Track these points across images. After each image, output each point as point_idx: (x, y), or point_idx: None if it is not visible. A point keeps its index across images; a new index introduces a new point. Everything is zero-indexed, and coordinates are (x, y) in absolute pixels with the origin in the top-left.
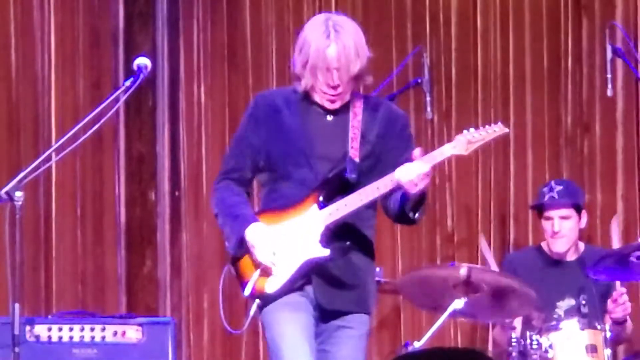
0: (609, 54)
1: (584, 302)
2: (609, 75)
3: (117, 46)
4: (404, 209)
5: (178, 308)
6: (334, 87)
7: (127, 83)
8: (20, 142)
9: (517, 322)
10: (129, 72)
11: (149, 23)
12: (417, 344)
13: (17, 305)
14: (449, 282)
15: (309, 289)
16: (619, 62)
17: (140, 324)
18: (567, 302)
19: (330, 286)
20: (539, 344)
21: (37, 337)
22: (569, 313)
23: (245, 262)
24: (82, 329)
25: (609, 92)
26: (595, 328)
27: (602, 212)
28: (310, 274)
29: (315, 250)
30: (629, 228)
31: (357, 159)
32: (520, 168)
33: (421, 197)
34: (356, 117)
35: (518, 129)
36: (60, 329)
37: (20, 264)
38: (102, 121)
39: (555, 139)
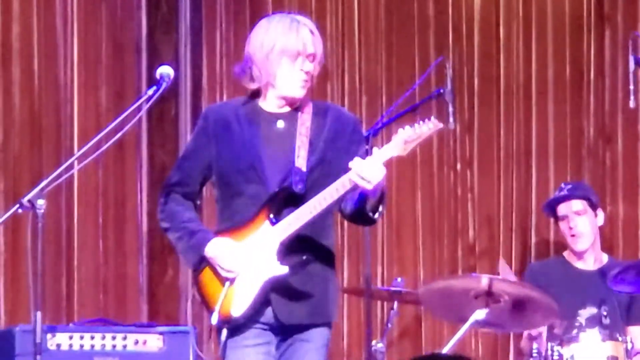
0: (632, 65)
1: (605, 313)
2: (631, 87)
3: (139, 55)
4: (363, 208)
5: (199, 317)
6: (306, 72)
7: (150, 92)
8: (43, 151)
9: (542, 330)
10: (152, 81)
11: (172, 32)
12: None
13: (38, 314)
14: (470, 292)
15: (268, 312)
16: None
17: (161, 333)
18: (589, 311)
19: (288, 300)
20: (560, 355)
21: (59, 345)
22: (590, 321)
23: (207, 285)
24: (104, 338)
25: (632, 104)
26: (616, 339)
27: (624, 224)
28: (269, 293)
29: (273, 268)
30: None
31: (304, 169)
32: (542, 179)
33: (381, 196)
34: (304, 124)
35: (540, 140)
36: (81, 338)
37: (42, 272)
38: (124, 130)
39: (578, 149)
